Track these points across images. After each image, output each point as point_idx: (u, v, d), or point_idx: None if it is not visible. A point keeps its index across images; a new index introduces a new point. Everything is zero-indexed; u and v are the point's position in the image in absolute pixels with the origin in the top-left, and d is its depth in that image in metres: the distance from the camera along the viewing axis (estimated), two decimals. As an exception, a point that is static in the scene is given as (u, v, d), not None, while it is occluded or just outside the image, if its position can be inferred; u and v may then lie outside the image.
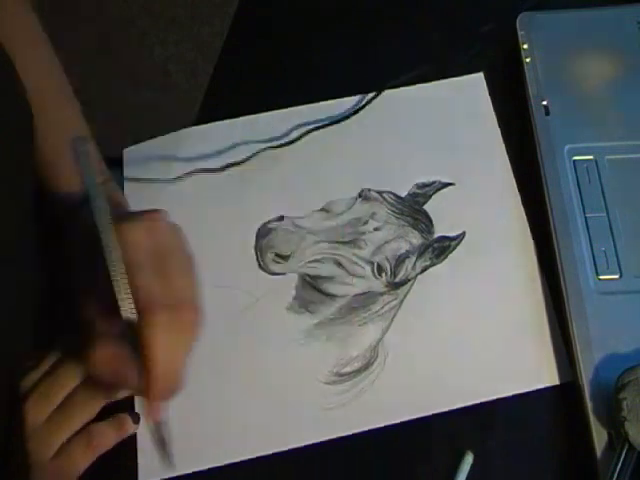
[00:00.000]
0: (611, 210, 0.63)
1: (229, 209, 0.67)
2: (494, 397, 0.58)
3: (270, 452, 0.57)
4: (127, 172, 0.70)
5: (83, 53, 1.73)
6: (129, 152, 0.71)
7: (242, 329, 0.62)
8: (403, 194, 0.66)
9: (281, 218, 0.66)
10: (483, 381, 0.58)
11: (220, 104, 0.73)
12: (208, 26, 1.66)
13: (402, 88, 0.72)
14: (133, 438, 0.58)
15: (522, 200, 0.66)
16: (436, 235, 0.64)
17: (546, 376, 0.58)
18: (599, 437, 0.54)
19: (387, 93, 0.71)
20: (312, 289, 0.63)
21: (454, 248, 0.64)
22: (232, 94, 0.73)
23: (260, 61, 0.73)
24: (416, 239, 0.64)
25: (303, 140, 0.69)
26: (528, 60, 0.70)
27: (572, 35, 0.72)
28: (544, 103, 0.68)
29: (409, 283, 0.63)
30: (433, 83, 0.72)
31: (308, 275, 0.64)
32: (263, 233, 0.65)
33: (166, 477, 0.56)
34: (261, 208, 0.66)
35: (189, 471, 0.57)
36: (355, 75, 0.73)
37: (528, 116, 0.68)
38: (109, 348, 0.49)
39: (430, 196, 0.66)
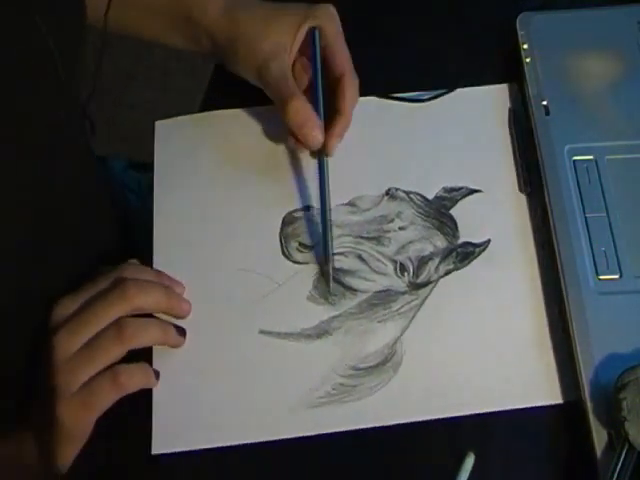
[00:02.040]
0: (611, 210, 0.63)
1: (257, 194, 0.67)
2: (506, 408, 0.58)
3: (277, 438, 0.57)
4: (158, 144, 0.71)
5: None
6: (161, 125, 0.72)
7: (261, 314, 0.62)
8: (430, 197, 0.67)
9: (307, 208, 0.66)
10: (497, 391, 0.58)
11: (220, 104, 0.73)
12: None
13: (433, 92, 0.72)
14: (149, 407, 0.58)
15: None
16: (460, 240, 0.65)
17: (554, 395, 0.58)
18: (599, 437, 0.54)
19: (417, 95, 0.72)
20: (333, 281, 0.63)
21: (478, 254, 0.64)
22: (232, 94, 0.73)
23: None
24: (440, 242, 0.64)
25: None
26: (528, 60, 0.70)
27: (572, 35, 0.72)
28: (544, 103, 0.68)
29: (431, 285, 0.63)
30: (464, 90, 0.72)
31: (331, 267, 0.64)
32: (289, 221, 0.66)
33: (178, 450, 0.57)
34: (288, 196, 0.67)
35: (199, 447, 0.57)
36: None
37: (528, 116, 0.68)
38: (300, 101, 0.63)
39: (457, 201, 0.66)
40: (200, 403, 0.59)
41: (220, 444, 0.57)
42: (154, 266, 0.64)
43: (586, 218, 0.63)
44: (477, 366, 0.59)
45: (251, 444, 0.57)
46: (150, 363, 0.59)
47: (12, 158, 0.53)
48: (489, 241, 0.64)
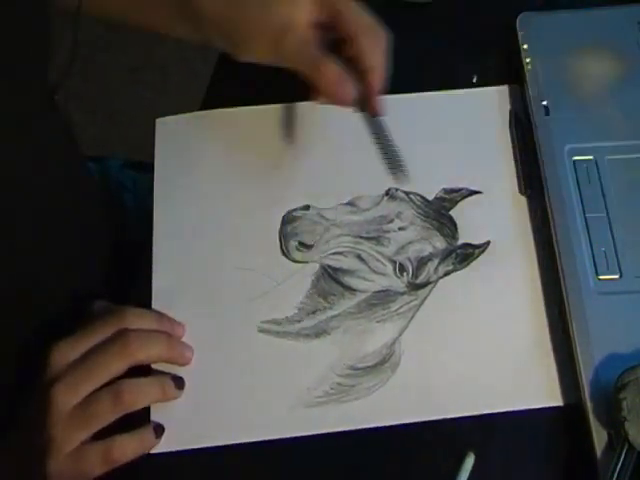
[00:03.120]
0: (611, 210, 0.63)
1: (257, 192, 0.67)
2: (503, 410, 0.58)
3: (273, 438, 0.57)
4: (159, 141, 0.71)
5: (83, 54, 1.73)
6: (162, 122, 0.72)
7: (260, 312, 0.62)
8: (430, 197, 0.67)
9: (307, 207, 0.66)
10: (493, 393, 0.58)
11: (220, 104, 0.73)
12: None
13: (433, 92, 0.72)
14: (147, 407, 0.58)
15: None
16: (460, 241, 0.65)
17: (554, 396, 0.58)
18: (599, 437, 0.54)
19: (418, 96, 0.72)
20: (332, 281, 0.63)
21: (477, 256, 0.64)
22: (232, 94, 0.73)
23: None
24: (440, 243, 0.65)
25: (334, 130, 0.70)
26: (528, 60, 0.70)
27: (572, 35, 0.72)
28: (544, 103, 0.68)
29: (430, 286, 0.63)
30: (465, 91, 0.72)
31: (330, 266, 0.64)
32: (288, 220, 0.66)
33: (176, 449, 0.57)
34: (288, 195, 0.67)
35: (197, 446, 0.57)
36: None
37: (528, 116, 0.68)
38: (333, 66, 0.59)
39: (457, 202, 0.66)
40: (198, 402, 0.59)
41: (218, 443, 0.57)
42: (153, 261, 0.64)
43: (586, 218, 0.63)
44: (476, 368, 0.59)
45: (249, 443, 0.57)
46: (149, 367, 0.59)
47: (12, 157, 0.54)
48: (489, 243, 0.64)
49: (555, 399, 0.58)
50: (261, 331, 0.61)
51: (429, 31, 0.76)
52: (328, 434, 0.57)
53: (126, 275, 0.67)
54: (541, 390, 0.58)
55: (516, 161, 0.68)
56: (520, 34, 0.72)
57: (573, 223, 0.63)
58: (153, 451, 0.57)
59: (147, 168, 0.89)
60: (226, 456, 0.57)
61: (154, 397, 0.57)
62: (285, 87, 0.70)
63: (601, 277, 0.61)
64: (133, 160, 0.92)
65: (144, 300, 0.63)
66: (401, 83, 0.72)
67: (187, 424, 0.58)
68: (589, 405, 0.55)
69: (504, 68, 0.73)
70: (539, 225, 0.65)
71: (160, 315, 0.61)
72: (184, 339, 0.61)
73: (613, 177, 0.65)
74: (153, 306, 0.63)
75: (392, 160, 0.62)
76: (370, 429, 0.58)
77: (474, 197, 0.66)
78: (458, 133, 0.70)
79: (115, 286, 0.74)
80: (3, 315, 0.55)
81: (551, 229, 0.63)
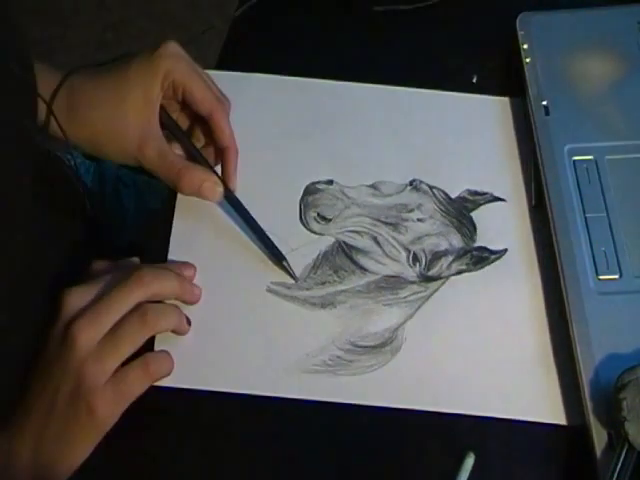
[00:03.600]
0: (611, 210, 0.63)
1: (284, 160, 0.68)
2: (495, 415, 0.58)
3: (268, 395, 0.58)
4: None
5: (83, 53, 1.73)
6: None
7: (271, 274, 0.63)
8: (453, 195, 0.67)
9: (330, 182, 0.67)
10: (489, 397, 0.58)
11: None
12: (208, 26, 1.66)
13: (464, 94, 0.72)
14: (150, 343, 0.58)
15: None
16: (477, 244, 0.65)
17: (553, 413, 0.58)
18: (599, 437, 0.54)
19: (451, 95, 0.72)
20: (345, 257, 0.64)
21: (492, 262, 0.64)
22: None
23: (260, 61, 0.73)
24: (457, 241, 0.65)
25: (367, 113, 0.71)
26: (528, 60, 0.70)
27: (572, 35, 0.72)
28: (544, 103, 0.68)
29: (440, 281, 0.63)
30: (497, 98, 0.72)
31: (345, 243, 0.65)
32: (311, 191, 0.67)
33: (175, 385, 0.58)
34: (314, 167, 0.68)
35: (195, 387, 0.58)
36: (356, 75, 0.73)
37: (528, 116, 0.68)
38: (189, 172, 0.62)
39: (480, 205, 0.66)
40: (200, 347, 0.60)
41: (214, 388, 0.58)
42: (176, 208, 0.66)
43: (586, 218, 0.63)
44: (473, 368, 0.60)
45: (240, 395, 0.58)
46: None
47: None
48: (506, 251, 0.64)
49: (557, 417, 0.58)
50: (270, 291, 0.62)
51: (429, 31, 0.76)
52: (332, 408, 0.58)
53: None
54: (541, 406, 0.58)
55: (528, 174, 0.68)
56: (520, 34, 0.72)
57: (573, 223, 0.63)
58: (156, 384, 0.57)
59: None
60: (215, 402, 0.58)
61: (173, 322, 0.58)
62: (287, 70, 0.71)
63: (601, 277, 0.61)
64: None
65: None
66: (401, 82, 0.73)
67: (186, 365, 0.59)
68: (589, 405, 0.55)
69: (504, 68, 0.73)
70: (548, 238, 0.64)
71: (170, 264, 0.62)
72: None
73: (613, 177, 0.65)
74: (170, 250, 0.64)
75: (264, 241, 0.63)
76: (370, 429, 0.58)
77: (497, 204, 0.67)
78: (490, 138, 0.70)
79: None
80: None
81: (551, 229, 0.63)
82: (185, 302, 0.61)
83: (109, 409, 0.54)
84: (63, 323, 0.55)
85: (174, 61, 0.62)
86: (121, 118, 0.61)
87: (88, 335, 0.54)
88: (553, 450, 0.57)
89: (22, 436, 0.55)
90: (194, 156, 0.64)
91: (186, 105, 0.65)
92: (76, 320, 0.54)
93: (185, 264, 0.62)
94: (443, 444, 0.57)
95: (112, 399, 0.54)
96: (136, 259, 0.62)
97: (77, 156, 0.83)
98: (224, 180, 0.64)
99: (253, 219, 0.64)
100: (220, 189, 0.63)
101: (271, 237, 0.64)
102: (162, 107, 0.63)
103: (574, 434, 0.57)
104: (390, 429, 0.58)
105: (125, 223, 0.83)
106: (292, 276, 0.63)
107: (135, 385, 0.55)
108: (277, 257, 0.63)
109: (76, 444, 0.55)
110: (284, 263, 0.62)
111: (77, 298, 0.56)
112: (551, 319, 0.61)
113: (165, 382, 0.58)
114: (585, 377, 0.56)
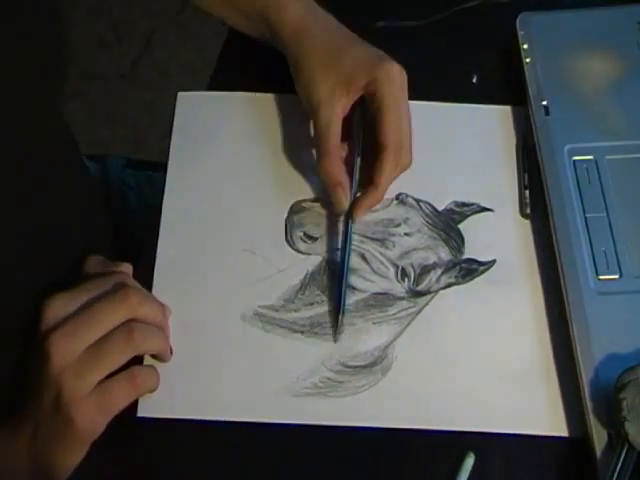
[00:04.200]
0: (611, 210, 0.63)
1: (270, 178, 0.68)
2: (489, 430, 0.57)
3: (258, 421, 0.58)
4: (178, 117, 0.71)
5: (83, 54, 1.73)
6: (183, 97, 0.72)
7: (258, 297, 0.62)
8: (440, 208, 0.67)
9: (316, 200, 0.67)
10: (485, 412, 0.58)
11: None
12: (208, 26, 1.65)
13: (452, 104, 0.72)
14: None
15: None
16: (465, 256, 0.64)
17: (553, 425, 0.58)
18: (599, 437, 0.54)
19: (437, 106, 0.72)
20: (333, 276, 0.63)
21: (481, 273, 0.64)
22: (232, 94, 0.73)
23: (260, 61, 0.73)
24: (445, 254, 0.64)
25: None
26: (528, 60, 0.70)
27: (572, 35, 0.72)
28: (544, 103, 0.68)
29: (430, 295, 0.63)
30: (485, 107, 0.71)
31: (332, 261, 0.64)
32: (296, 210, 0.66)
33: (162, 416, 0.57)
34: (299, 185, 0.67)
35: (183, 417, 0.58)
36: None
37: (528, 116, 0.68)
38: (332, 163, 0.62)
39: (467, 216, 0.66)
40: (189, 375, 0.59)
41: (202, 417, 0.58)
42: (161, 229, 0.65)
43: (586, 218, 0.63)
44: (467, 383, 0.59)
45: (232, 422, 0.58)
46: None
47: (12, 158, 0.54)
48: (494, 262, 0.64)
49: (558, 429, 0.57)
50: (257, 315, 0.62)
51: (429, 31, 0.76)
52: (325, 429, 0.58)
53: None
54: (541, 419, 0.58)
55: (520, 183, 0.67)
56: (520, 34, 0.72)
57: (573, 223, 0.63)
58: (141, 415, 0.57)
59: (150, 167, 0.90)
60: (208, 431, 0.58)
61: (159, 345, 0.57)
62: (285, 87, 0.70)
63: (601, 277, 0.61)
64: (136, 159, 0.92)
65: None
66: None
67: (175, 394, 0.58)
68: (589, 405, 0.55)
69: (504, 68, 0.73)
70: (543, 248, 0.64)
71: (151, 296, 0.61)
72: (176, 316, 0.61)
73: (613, 177, 0.65)
74: (155, 275, 0.63)
75: (340, 285, 0.62)
76: (370, 428, 0.58)
77: (484, 214, 0.66)
78: (475, 148, 0.69)
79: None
80: (3, 320, 0.55)
81: (551, 229, 0.63)
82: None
83: (89, 420, 0.53)
84: (40, 333, 0.53)
85: (388, 82, 0.63)
86: (328, 64, 0.63)
87: (64, 348, 0.52)
88: (553, 450, 0.57)
89: (18, 437, 0.54)
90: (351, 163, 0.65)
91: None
92: (53, 332, 0.52)
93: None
94: (443, 444, 0.57)
95: (94, 410, 0.53)
96: (128, 266, 0.60)
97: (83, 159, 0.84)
98: (353, 204, 0.63)
99: (346, 256, 0.63)
100: (345, 205, 0.63)
101: (256, 258, 0.63)
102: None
103: (574, 434, 0.57)
104: (390, 429, 0.58)
105: (128, 223, 0.83)
106: (334, 334, 0.61)
107: (120, 397, 0.54)
108: (338, 308, 0.61)
109: (65, 449, 0.54)
110: (340, 316, 0.61)
111: (58, 308, 0.54)
112: (550, 325, 0.61)
113: (153, 413, 0.57)
114: (585, 377, 0.56)
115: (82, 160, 0.74)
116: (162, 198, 0.67)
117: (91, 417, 0.53)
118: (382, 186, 0.63)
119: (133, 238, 0.77)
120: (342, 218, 0.65)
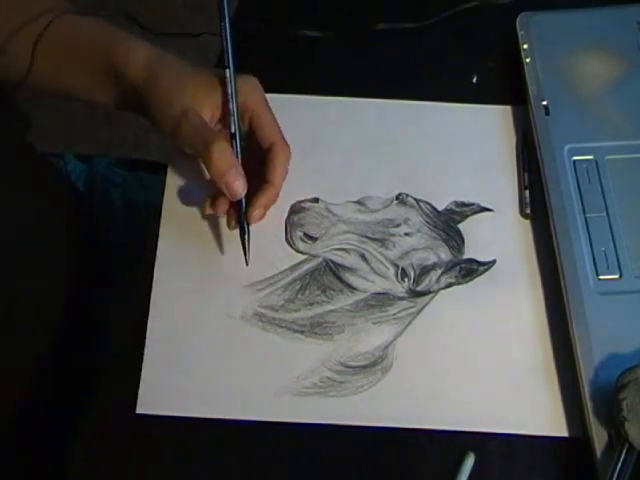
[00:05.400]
0: (611, 210, 0.63)
1: None
2: (489, 430, 0.57)
3: (257, 419, 0.58)
4: None
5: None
6: None
7: (258, 297, 0.62)
8: (440, 208, 0.67)
9: (316, 200, 0.67)
10: (486, 412, 0.58)
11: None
12: (208, 26, 1.65)
13: (450, 104, 0.71)
14: (138, 368, 0.58)
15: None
16: (465, 256, 0.64)
17: (553, 426, 0.58)
18: (599, 437, 0.54)
19: (437, 105, 0.71)
20: (333, 276, 0.63)
21: (481, 273, 0.64)
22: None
23: (259, 62, 0.73)
24: (445, 254, 0.64)
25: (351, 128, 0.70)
26: (528, 60, 0.70)
27: (572, 35, 0.72)
28: (544, 103, 0.68)
29: (430, 295, 0.63)
30: (482, 106, 0.71)
31: (332, 261, 0.64)
32: (296, 210, 0.66)
33: (161, 413, 0.57)
34: (299, 185, 0.67)
35: (181, 414, 0.58)
36: (356, 77, 0.74)
37: (528, 116, 0.68)
38: (224, 145, 0.61)
39: (467, 216, 0.66)
40: (189, 374, 0.59)
41: (201, 415, 0.58)
42: (160, 231, 0.65)
43: (586, 218, 0.63)
44: (468, 383, 0.59)
45: (232, 421, 0.58)
46: (144, 330, 0.60)
47: None
48: (494, 262, 0.64)
49: (558, 430, 0.57)
50: (257, 315, 0.62)
51: (429, 31, 0.76)
52: (326, 428, 0.58)
53: (113, 272, 0.67)
54: (541, 420, 0.58)
55: (519, 183, 0.67)
56: (520, 34, 0.72)
57: (573, 223, 0.63)
58: (140, 412, 0.57)
59: (138, 167, 0.90)
60: (207, 429, 0.58)
61: None
62: (284, 87, 0.71)
63: (601, 277, 0.61)
64: (124, 159, 0.92)
65: (138, 294, 0.63)
66: (401, 83, 0.73)
67: (174, 392, 0.59)
68: (589, 405, 0.55)
69: (504, 68, 0.73)
70: (543, 248, 0.64)
71: None
72: (176, 316, 0.61)
73: (613, 177, 0.65)
74: (155, 275, 0.63)
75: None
76: (370, 428, 0.58)
77: (484, 214, 0.66)
78: (475, 148, 0.69)
79: (107, 283, 0.75)
80: None
81: (551, 229, 0.63)
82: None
83: None
84: None
85: (250, 90, 0.64)
86: (183, 80, 0.63)
87: None
88: (553, 450, 0.57)
89: None
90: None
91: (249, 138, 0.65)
92: None
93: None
94: (443, 444, 0.57)
95: None
96: None
97: (70, 160, 0.85)
98: (247, 207, 0.63)
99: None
100: (242, 189, 0.61)
101: (256, 257, 0.63)
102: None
103: (574, 435, 0.57)
104: (389, 428, 0.58)
105: (114, 221, 0.84)
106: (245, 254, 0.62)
107: None
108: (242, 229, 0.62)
109: None
110: (245, 237, 0.62)
111: None
112: (550, 325, 0.61)
113: (154, 411, 0.57)
114: (585, 377, 0.56)
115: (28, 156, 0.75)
116: (162, 198, 0.67)
117: None
118: (277, 182, 0.63)
119: (117, 239, 0.78)
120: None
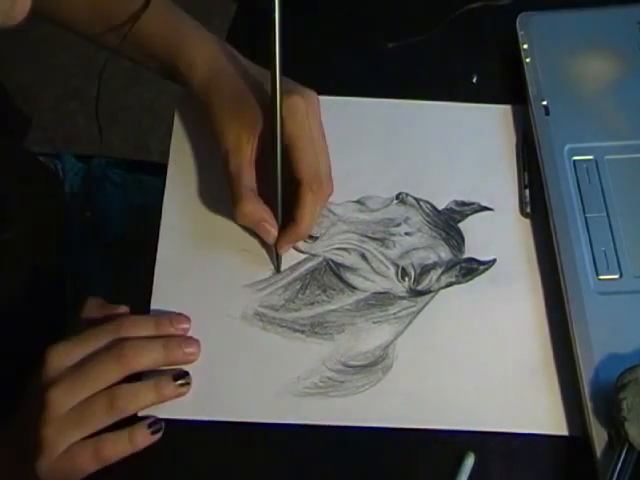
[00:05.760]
0: (611, 210, 0.63)
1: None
2: (490, 429, 0.57)
3: (259, 421, 0.58)
4: (178, 117, 0.71)
5: (83, 53, 1.73)
6: (183, 97, 0.71)
7: (258, 297, 0.62)
8: (440, 207, 0.67)
9: None
10: (486, 412, 0.58)
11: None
12: (208, 26, 1.66)
13: (449, 104, 0.71)
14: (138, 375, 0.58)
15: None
16: (466, 255, 0.64)
17: (553, 425, 0.58)
18: (599, 437, 0.54)
19: (437, 105, 0.71)
20: (334, 276, 0.64)
21: (482, 272, 0.64)
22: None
23: (259, 61, 0.73)
24: (445, 253, 0.64)
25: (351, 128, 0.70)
26: (528, 60, 0.70)
27: (572, 35, 0.72)
28: (544, 103, 0.68)
29: (430, 294, 0.63)
30: (481, 105, 0.71)
31: (332, 261, 0.64)
32: None
33: (162, 416, 0.57)
34: None
35: (182, 417, 0.58)
36: (356, 77, 0.74)
37: (528, 115, 0.68)
38: (250, 204, 0.60)
39: (467, 216, 0.66)
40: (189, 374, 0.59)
41: (202, 417, 0.58)
42: (160, 231, 0.65)
43: (586, 218, 0.63)
44: (469, 383, 0.59)
45: (232, 422, 0.58)
46: None
47: None
48: (495, 261, 0.64)
49: (558, 429, 0.57)
50: (258, 314, 0.62)
51: (429, 31, 0.76)
52: (326, 429, 0.58)
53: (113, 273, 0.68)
54: (541, 418, 0.58)
55: (520, 182, 0.67)
56: (520, 34, 0.72)
57: (573, 223, 0.63)
58: (142, 414, 0.57)
59: (136, 168, 0.90)
60: (205, 432, 0.58)
61: (149, 401, 0.57)
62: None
63: (601, 277, 0.61)
64: (124, 159, 0.93)
65: (138, 294, 0.63)
66: (402, 83, 0.73)
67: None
68: (589, 405, 0.55)
69: (504, 68, 0.73)
70: (543, 247, 0.64)
71: (158, 318, 0.60)
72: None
73: (613, 177, 0.65)
74: (155, 275, 0.63)
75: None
76: (370, 428, 0.58)
77: (484, 213, 0.66)
78: (475, 148, 0.69)
79: (106, 283, 0.75)
80: None
81: (551, 229, 0.63)
82: (180, 365, 0.59)
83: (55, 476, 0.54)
84: (42, 383, 0.55)
85: (296, 111, 0.60)
86: (234, 111, 0.62)
87: (58, 403, 0.54)
88: (553, 450, 0.57)
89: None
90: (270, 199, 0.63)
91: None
92: (51, 386, 0.54)
93: (179, 317, 0.60)
94: (443, 444, 0.57)
95: (59, 472, 0.54)
96: (126, 308, 0.61)
97: (67, 159, 0.85)
98: (278, 238, 0.62)
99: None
100: (274, 233, 0.61)
101: (257, 258, 0.64)
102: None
103: (574, 434, 0.57)
104: (389, 428, 0.58)
105: (114, 222, 0.84)
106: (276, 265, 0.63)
107: (99, 416, 0.55)
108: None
109: None
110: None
111: (59, 359, 0.56)
112: (550, 325, 0.61)
113: (153, 412, 0.57)
114: (585, 377, 0.56)
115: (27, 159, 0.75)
116: (162, 198, 0.67)
117: (56, 475, 0.54)
118: (304, 221, 0.61)
119: (118, 237, 0.78)
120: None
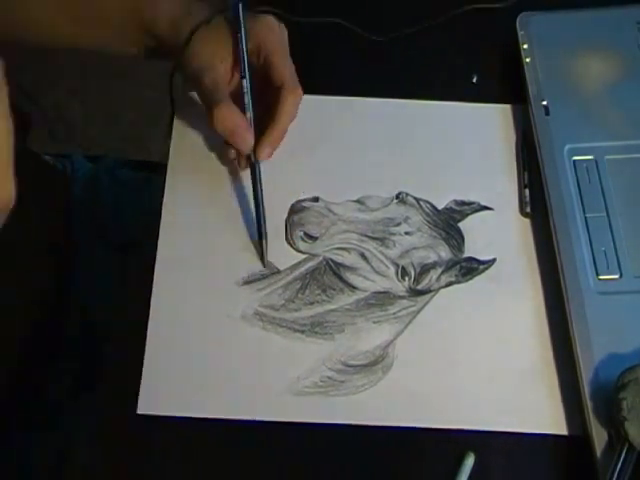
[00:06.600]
0: (611, 210, 0.63)
1: (268, 178, 0.67)
2: (490, 429, 0.57)
3: (259, 419, 0.58)
4: (178, 117, 0.72)
5: (83, 53, 1.73)
6: (183, 97, 0.72)
7: (258, 296, 0.62)
8: (440, 207, 0.67)
9: (316, 199, 0.67)
10: (486, 411, 0.58)
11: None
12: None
13: (450, 102, 0.72)
14: (139, 368, 0.58)
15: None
16: (466, 254, 0.64)
17: (553, 424, 0.58)
18: (599, 437, 0.54)
19: (437, 105, 0.71)
20: (334, 275, 0.64)
21: (482, 272, 0.64)
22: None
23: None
24: (445, 253, 0.65)
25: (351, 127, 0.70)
26: (528, 60, 0.70)
27: (572, 35, 0.72)
28: (544, 103, 0.68)
29: (430, 294, 0.63)
30: (481, 105, 0.72)
31: (332, 261, 0.64)
32: (296, 209, 0.66)
33: (161, 414, 0.57)
34: (299, 184, 0.67)
35: (182, 415, 0.58)
36: (356, 77, 0.73)
37: (528, 115, 0.68)
38: (227, 107, 0.62)
39: (467, 215, 0.66)
40: (190, 374, 0.59)
41: (202, 415, 0.58)
42: (160, 229, 0.65)
43: (586, 218, 0.63)
44: (469, 382, 0.59)
45: (232, 421, 0.58)
46: (145, 330, 0.60)
47: None
48: (494, 260, 0.64)
49: (558, 428, 0.57)
50: (258, 314, 0.62)
51: (429, 31, 0.76)
52: (326, 428, 0.58)
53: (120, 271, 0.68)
54: (541, 418, 0.58)
55: (519, 182, 0.67)
56: (520, 34, 0.72)
57: (573, 223, 0.63)
58: (141, 412, 0.57)
59: (138, 167, 0.90)
60: (208, 429, 0.58)
61: None
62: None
63: (601, 277, 0.61)
64: (133, 160, 0.93)
65: (138, 294, 0.63)
66: (400, 83, 0.73)
67: (175, 392, 0.59)
68: (589, 405, 0.55)
69: (504, 68, 0.73)
70: (543, 247, 0.64)
71: None
72: (176, 316, 0.61)
73: (613, 177, 0.65)
74: (155, 275, 0.63)
75: (258, 214, 0.64)
76: (369, 427, 0.58)
77: (484, 213, 0.66)
78: (475, 147, 0.69)
79: (107, 282, 0.75)
80: None
81: (551, 229, 0.63)
82: None
83: None
84: None
85: (267, 31, 0.65)
86: (205, 34, 0.64)
87: None
88: (553, 450, 0.57)
89: None
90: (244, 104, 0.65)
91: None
92: None
93: None
94: (443, 444, 0.57)
95: None
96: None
97: (77, 160, 0.85)
98: (256, 145, 0.64)
99: (261, 192, 0.64)
100: (251, 141, 0.63)
101: (257, 257, 0.64)
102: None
103: (574, 434, 0.57)
104: (389, 428, 0.58)
105: (114, 221, 0.84)
106: (262, 259, 0.63)
107: None
108: (259, 234, 0.63)
109: None
110: (263, 241, 0.63)
111: None
112: (550, 324, 0.61)
113: (155, 411, 0.58)
114: (585, 377, 0.56)
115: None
116: (162, 198, 0.67)
117: None
118: (283, 121, 0.64)
119: (125, 237, 0.78)
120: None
